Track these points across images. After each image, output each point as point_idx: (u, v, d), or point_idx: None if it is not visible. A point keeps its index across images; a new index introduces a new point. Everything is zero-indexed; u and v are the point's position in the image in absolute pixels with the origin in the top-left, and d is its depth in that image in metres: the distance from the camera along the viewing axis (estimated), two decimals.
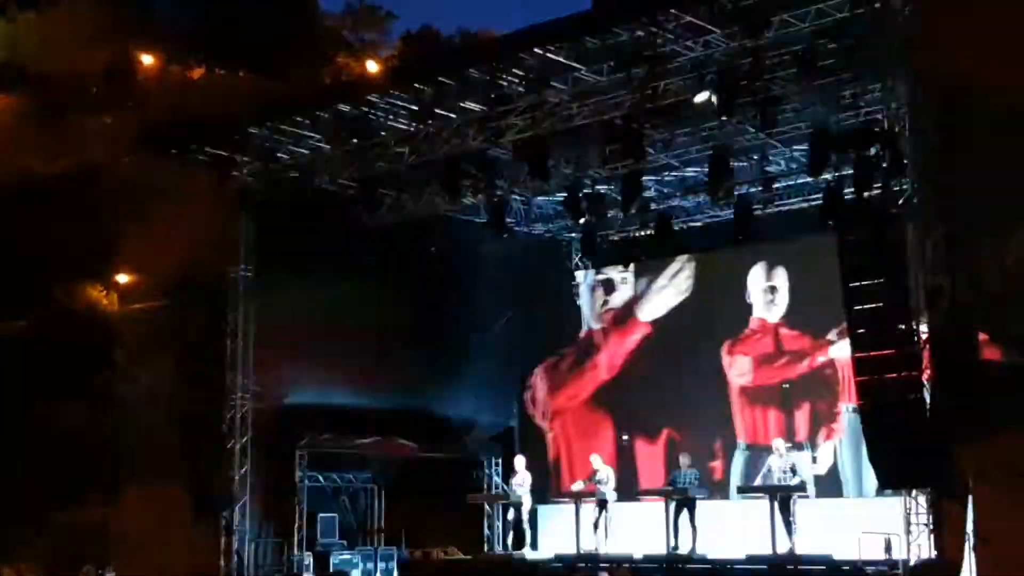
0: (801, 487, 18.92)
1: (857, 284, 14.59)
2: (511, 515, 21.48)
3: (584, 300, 24.37)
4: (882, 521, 16.58)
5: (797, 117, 18.39)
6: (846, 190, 16.68)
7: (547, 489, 23.28)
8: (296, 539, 21.51)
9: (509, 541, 21.42)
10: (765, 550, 18.53)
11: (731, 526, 20.05)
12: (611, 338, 23.79)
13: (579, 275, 24.61)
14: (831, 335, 20.21)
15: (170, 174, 21.51)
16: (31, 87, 38.57)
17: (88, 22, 41.57)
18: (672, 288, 23.21)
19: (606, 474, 21.01)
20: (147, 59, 39.24)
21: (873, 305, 14.48)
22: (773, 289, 21.57)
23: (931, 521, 14.54)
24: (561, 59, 17.41)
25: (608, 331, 23.90)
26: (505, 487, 22.41)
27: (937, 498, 14.45)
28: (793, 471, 19.02)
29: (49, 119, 36.92)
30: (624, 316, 23.71)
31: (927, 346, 14.35)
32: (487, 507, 23.06)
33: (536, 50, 17.31)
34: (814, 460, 20.51)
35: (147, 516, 20.75)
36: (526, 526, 21.40)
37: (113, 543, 20.80)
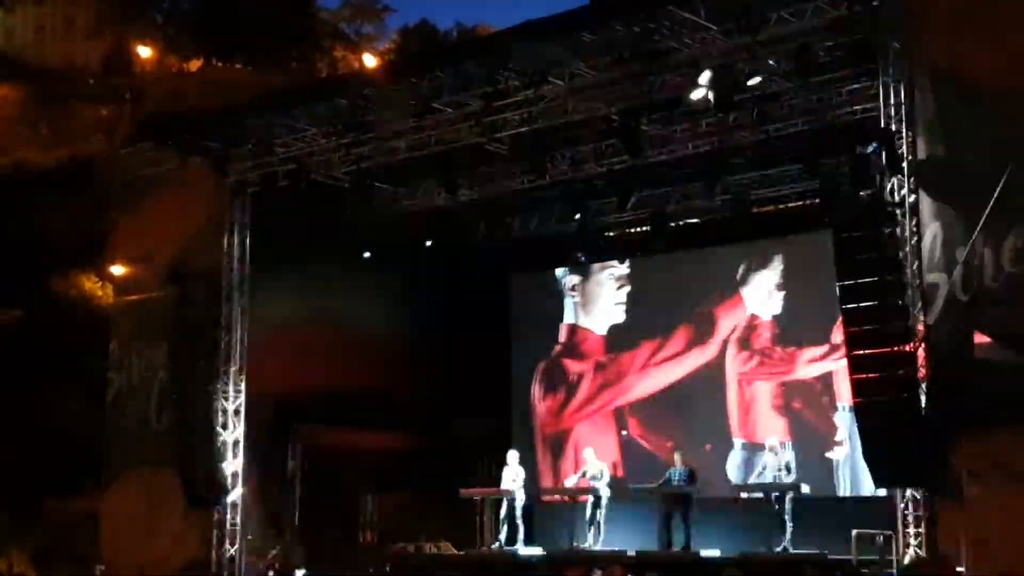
0: (796, 485, 18.90)
1: (853, 282, 14.56)
2: (504, 510, 21.45)
3: (583, 296, 24.24)
4: (876, 520, 16.56)
5: (794, 114, 18.38)
6: (842, 187, 16.65)
7: (542, 484, 23.25)
8: (290, 532, 21.49)
9: (502, 536, 21.39)
10: (759, 548, 18.52)
11: (725, 524, 20.01)
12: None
13: (560, 272, 24.53)
14: (827, 332, 20.17)
15: (166, 166, 21.51)
16: (28, 77, 38.55)
17: (86, 13, 41.57)
18: None
19: (600, 469, 20.97)
20: (144, 51, 39.22)
21: (869, 303, 14.46)
22: (769, 286, 21.50)
23: (925, 520, 14.52)
24: (558, 54, 17.37)
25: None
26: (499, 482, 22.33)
27: (932, 497, 14.44)
28: (788, 469, 19.00)
29: (46, 109, 36.91)
30: None
31: (922, 344, 14.33)
32: (480, 502, 23.01)
33: (533, 45, 17.28)
34: (807, 458, 20.42)
35: (140, 508, 20.73)
36: (519, 521, 21.36)
37: (105, 534, 20.73)
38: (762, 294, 21.55)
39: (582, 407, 23.78)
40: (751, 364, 21.55)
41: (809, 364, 20.71)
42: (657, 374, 22.72)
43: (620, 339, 23.42)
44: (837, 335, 15.25)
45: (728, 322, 21.95)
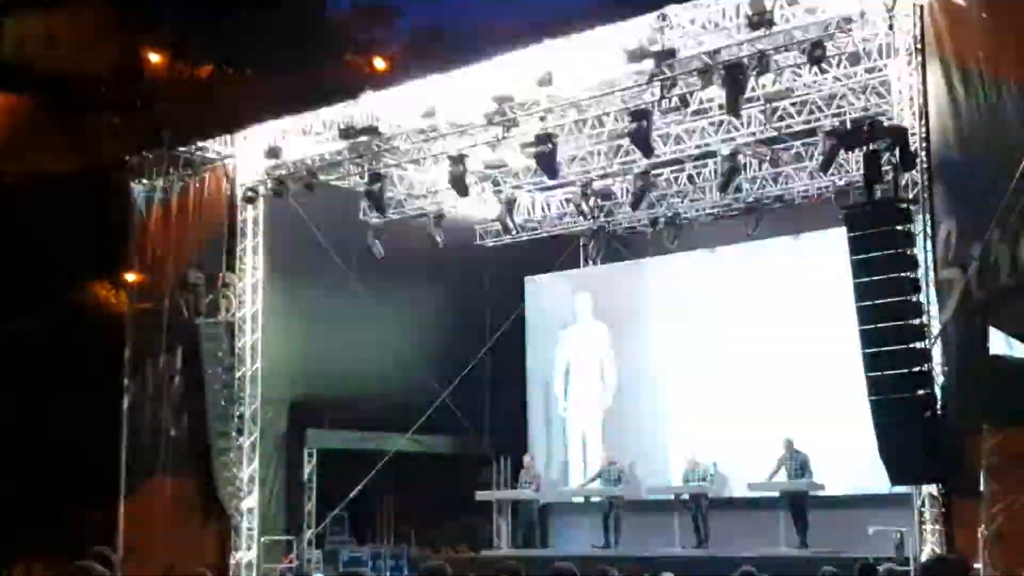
0: (812, 484, 18.85)
1: (867, 279, 14.52)
2: (520, 512, 21.43)
3: (597, 295, 24.13)
4: (893, 517, 16.50)
5: (806, 111, 18.34)
6: (856, 185, 16.63)
7: (559, 486, 23.17)
8: (305, 536, 21.50)
9: (519, 538, 21.37)
10: (776, 548, 18.48)
11: (742, 524, 19.95)
12: None
13: (574, 272, 24.42)
14: (841, 330, 20.03)
15: (178, 173, 21.54)
16: (40, 87, 38.61)
17: (96, 21, 41.61)
18: None
19: (616, 471, 20.93)
20: (155, 58, 39.21)
21: (883, 300, 14.41)
22: (781, 283, 21.38)
23: (942, 517, 14.46)
24: (568, 54, 17.34)
25: None
26: (516, 484, 22.30)
27: (948, 494, 14.38)
28: (804, 467, 18.96)
29: (58, 118, 36.96)
30: None
31: (938, 341, 14.28)
32: (496, 504, 22.98)
33: (543, 44, 17.27)
34: (823, 455, 20.32)
35: (156, 513, 20.74)
36: (536, 524, 21.35)
37: (123, 542, 20.73)
38: (774, 291, 21.41)
39: (600, 407, 23.63)
40: (766, 361, 21.36)
41: (824, 360, 20.49)
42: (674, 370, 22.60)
43: (637, 337, 23.29)
44: (851, 332, 15.16)
45: (741, 318, 21.80)
